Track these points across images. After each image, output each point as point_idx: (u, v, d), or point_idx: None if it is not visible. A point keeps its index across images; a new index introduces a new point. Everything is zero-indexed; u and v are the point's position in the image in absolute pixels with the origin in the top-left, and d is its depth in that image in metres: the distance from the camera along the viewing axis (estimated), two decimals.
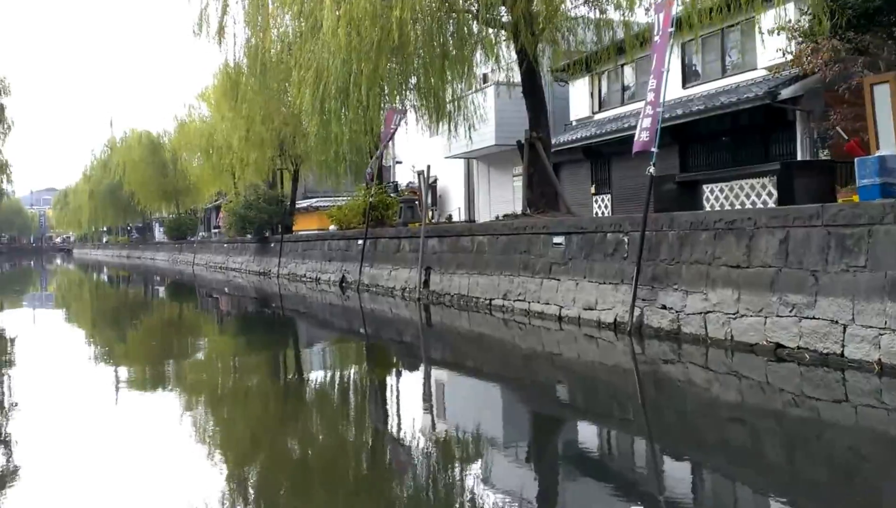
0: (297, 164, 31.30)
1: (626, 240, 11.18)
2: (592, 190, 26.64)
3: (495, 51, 15.94)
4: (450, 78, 15.71)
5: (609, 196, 26.07)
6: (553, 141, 27.39)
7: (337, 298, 20.66)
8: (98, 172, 70.59)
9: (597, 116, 27.48)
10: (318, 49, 15.05)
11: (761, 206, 12.82)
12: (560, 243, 12.71)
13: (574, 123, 28.37)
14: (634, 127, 22.64)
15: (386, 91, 17.25)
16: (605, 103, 27.56)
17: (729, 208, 13.35)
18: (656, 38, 11.03)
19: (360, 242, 21.41)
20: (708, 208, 13.51)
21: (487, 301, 14.72)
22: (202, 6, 22.66)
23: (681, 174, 16.85)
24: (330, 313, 18.45)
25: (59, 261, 76.45)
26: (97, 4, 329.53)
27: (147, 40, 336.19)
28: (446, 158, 32.86)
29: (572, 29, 16.39)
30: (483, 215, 31.89)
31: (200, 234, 56.08)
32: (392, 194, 24.33)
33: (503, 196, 31.63)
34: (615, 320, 11.17)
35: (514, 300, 13.80)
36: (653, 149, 10.88)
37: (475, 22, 15.38)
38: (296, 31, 21.12)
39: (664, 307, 10.32)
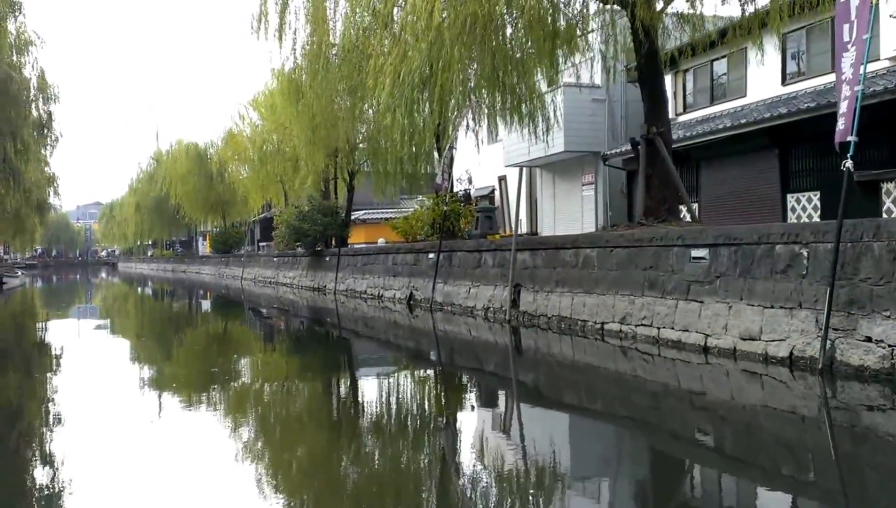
0: (352, 172, 29.38)
1: (805, 253, 8.88)
2: None
3: (611, 31, 13.82)
4: (558, 57, 13.64)
5: (696, 205, 23.75)
6: (629, 146, 25.24)
7: (404, 317, 18.59)
8: (144, 184, 69.85)
9: (681, 118, 25.12)
10: (402, 30, 13.03)
11: None
12: (702, 258, 10.44)
13: None
14: (728, 129, 20.74)
15: (472, 81, 15.18)
16: (692, 104, 25.22)
17: None
18: None
19: (432, 255, 19.31)
20: None
21: (598, 325, 12.49)
22: (261, 1, 20.98)
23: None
24: (397, 335, 16.36)
25: (104, 275, 76.02)
26: (143, 18, 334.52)
27: (192, 53, 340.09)
28: (507, 166, 30.82)
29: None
30: (547, 229, 29.69)
31: (245, 248, 54.64)
32: (464, 203, 22.14)
33: (570, 208, 29.34)
34: (791, 353, 8.86)
35: (637, 325, 11.55)
36: (850, 138, 8.59)
37: None
38: (360, 22, 19.25)
39: (869, 340, 8.00)
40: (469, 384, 10.63)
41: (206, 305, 30.14)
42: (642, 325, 11.42)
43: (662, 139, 13.05)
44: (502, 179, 31.00)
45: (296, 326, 19.80)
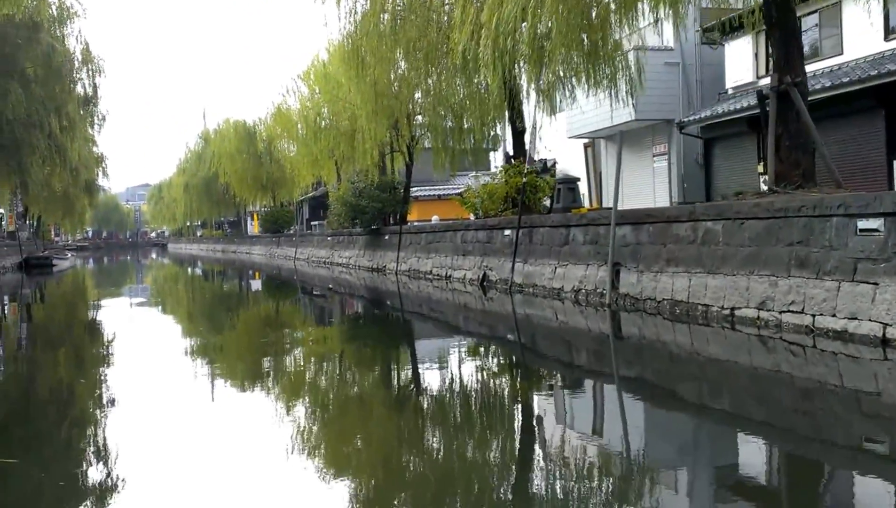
0: (411, 145, 27.67)
1: None
2: (760, 168, 22.13)
3: None
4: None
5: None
6: (707, 112, 23.16)
7: (478, 300, 16.93)
8: (192, 164, 69.18)
9: (764, 81, 22.86)
10: None
11: None
12: (875, 230, 8.52)
13: (730, 92, 24.03)
14: (827, 89, 18.58)
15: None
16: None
17: None
18: None
19: (508, 232, 17.56)
20: None
21: (726, 311, 10.63)
22: None
23: None
24: (474, 320, 14.73)
25: (154, 256, 76.04)
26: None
27: (238, 28, 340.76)
28: (569, 137, 28.97)
29: None
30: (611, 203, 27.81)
31: (295, 227, 53.48)
32: (540, 175, 20.27)
33: (639, 181, 27.35)
34: None
35: (782, 312, 9.67)
36: None
37: None
38: None
39: None
40: (560, 378, 9.18)
41: (262, 286, 28.96)
42: (789, 311, 9.54)
43: (798, 91, 11.05)
44: (588, 146, 29.06)
45: (359, 309, 18.40)
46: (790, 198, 10.07)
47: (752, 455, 5.89)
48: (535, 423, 7.00)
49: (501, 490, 5.21)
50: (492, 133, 26.15)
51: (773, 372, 8.37)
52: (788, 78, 11.05)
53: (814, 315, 9.17)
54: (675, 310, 11.68)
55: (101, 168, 44.15)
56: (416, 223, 28.48)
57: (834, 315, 8.89)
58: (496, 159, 33.78)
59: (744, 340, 9.78)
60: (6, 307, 21.38)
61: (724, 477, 5.34)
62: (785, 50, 11.29)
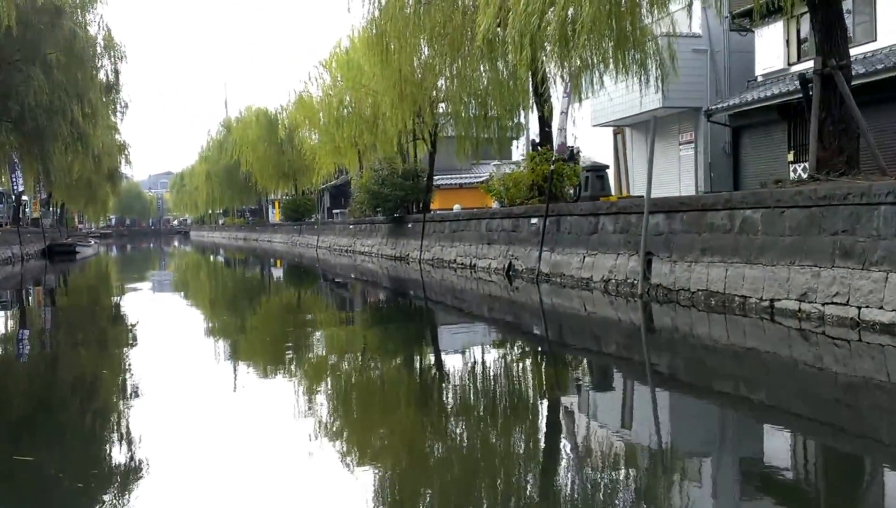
0: (434, 132, 27.35)
1: None
2: (790, 157, 21.72)
3: None
4: None
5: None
6: (736, 100, 22.67)
7: (503, 289, 16.68)
8: (214, 152, 69.21)
9: (795, 68, 22.35)
10: None
11: None
12: None
13: (760, 79, 23.51)
14: (861, 76, 18.05)
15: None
16: (808, 52, 22.41)
17: None
18: None
19: (535, 220, 17.24)
20: None
21: (765, 303, 10.28)
22: None
23: None
24: (496, 310, 14.47)
25: (176, 243, 76.49)
26: None
27: (261, 15, 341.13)
28: (594, 126, 28.58)
29: None
30: (638, 192, 27.37)
31: (316, 215, 53.35)
32: (567, 162, 19.89)
33: (665, 170, 26.91)
34: None
35: (825, 303, 9.31)
36: None
37: None
38: None
39: None
40: (590, 370, 8.90)
41: (284, 275, 28.84)
42: (833, 303, 9.18)
43: (843, 75, 10.63)
44: (617, 133, 28.71)
45: (382, 298, 18.13)
46: (835, 185, 9.68)
47: (795, 454, 5.61)
48: (563, 417, 6.75)
49: (531, 482, 5.05)
50: (516, 121, 25.84)
51: (814, 366, 8.07)
52: (833, 61, 10.65)
53: (859, 307, 8.82)
54: (711, 301, 11.35)
55: (123, 156, 44.17)
56: (438, 212, 28.23)
57: (881, 307, 8.53)
58: (519, 148, 33.46)
59: (783, 332, 9.45)
60: (31, 294, 21.36)
61: (764, 475, 5.05)
62: (828, 33, 10.88)
